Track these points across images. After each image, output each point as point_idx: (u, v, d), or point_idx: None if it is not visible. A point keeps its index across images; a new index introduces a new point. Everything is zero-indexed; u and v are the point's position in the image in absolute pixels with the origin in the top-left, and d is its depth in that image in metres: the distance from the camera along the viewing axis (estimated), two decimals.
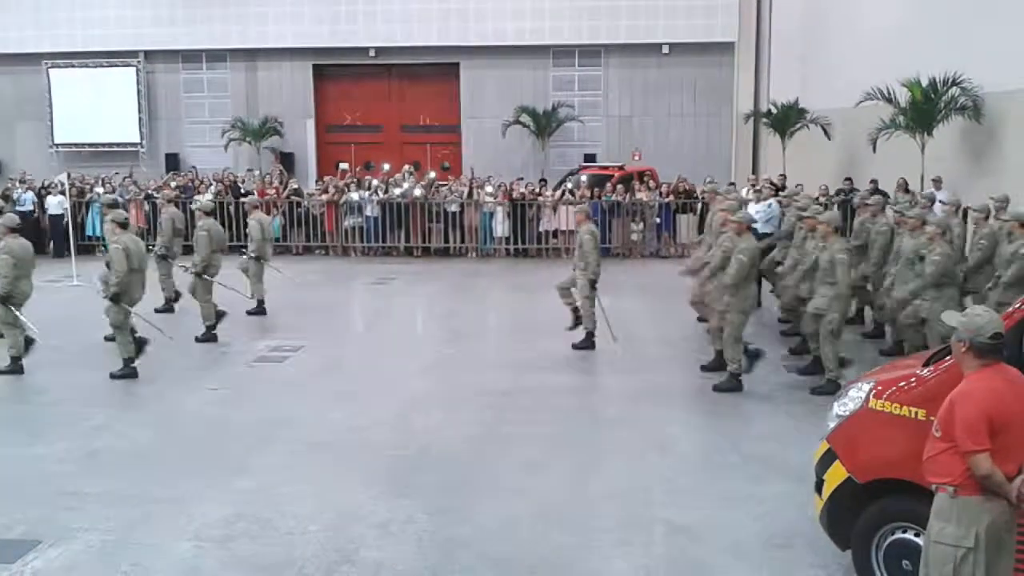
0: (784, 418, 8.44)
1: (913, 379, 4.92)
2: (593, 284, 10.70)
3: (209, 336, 11.39)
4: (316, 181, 22.96)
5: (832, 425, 5.27)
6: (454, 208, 18.84)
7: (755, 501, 6.45)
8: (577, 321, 10.85)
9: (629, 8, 23.79)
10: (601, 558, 5.68)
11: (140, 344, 10.00)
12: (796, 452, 7.08)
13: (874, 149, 16.50)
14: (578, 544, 5.85)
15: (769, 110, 22.12)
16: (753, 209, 13.19)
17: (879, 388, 5.03)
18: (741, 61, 23.98)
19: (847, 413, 5.17)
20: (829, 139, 20.15)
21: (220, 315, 11.63)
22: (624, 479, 6.93)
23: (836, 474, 5.09)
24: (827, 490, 5.16)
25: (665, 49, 24.01)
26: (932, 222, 9.68)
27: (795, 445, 7.34)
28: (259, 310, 12.98)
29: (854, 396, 5.20)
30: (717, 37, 23.68)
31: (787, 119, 21.10)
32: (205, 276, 11.59)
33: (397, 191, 19.29)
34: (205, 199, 14.46)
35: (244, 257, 13.15)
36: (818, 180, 17.78)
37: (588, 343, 10.81)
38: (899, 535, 4.83)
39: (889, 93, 16.06)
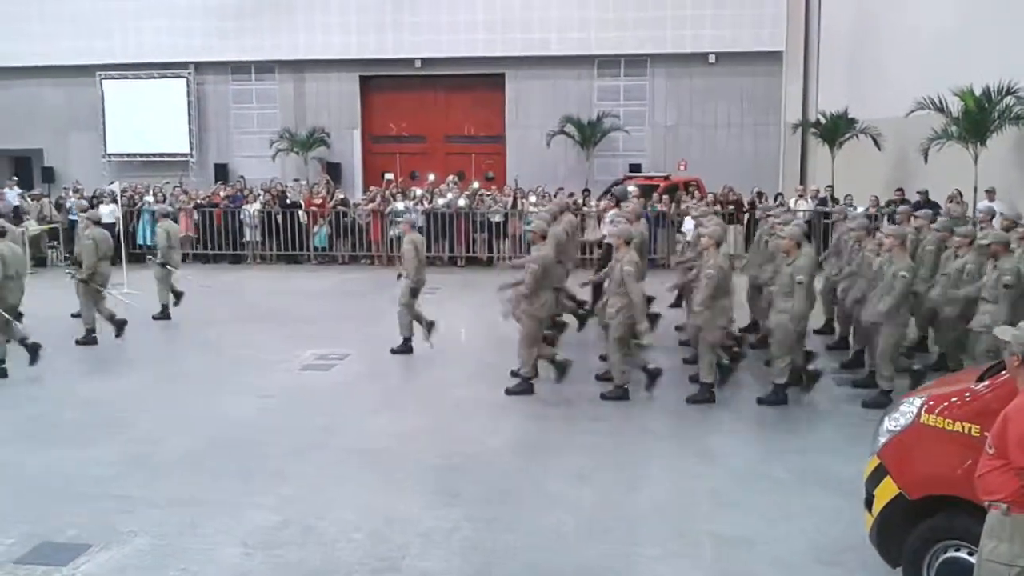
0: (832, 432, 8.33)
1: (967, 394, 4.83)
2: (415, 292, 11.11)
3: (89, 339, 11.73)
4: (362, 191, 23.16)
5: (882, 440, 5.18)
6: (498, 218, 18.88)
7: (803, 516, 6.36)
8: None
9: (675, 18, 23.70)
10: (646, 570, 5.63)
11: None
12: (844, 466, 6.98)
13: (925, 160, 16.23)
14: (623, 555, 5.81)
15: (818, 120, 21.87)
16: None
17: (931, 403, 4.94)
18: (789, 70, 23.76)
19: (898, 428, 5.08)
20: (879, 149, 19.86)
21: (121, 324, 11.88)
22: (670, 490, 6.88)
23: (887, 490, 5.01)
24: (877, 506, 5.08)
25: (712, 58, 23.87)
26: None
27: (843, 459, 7.24)
28: (163, 315, 13.38)
29: (905, 411, 5.11)
30: (765, 46, 23.47)
31: (836, 129, 20.84)
32: (91, 283, 11.77)
33: (441, 201, 19.38)
34: (97, 209, 14.64)
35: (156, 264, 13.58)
36: (868, 191, 17.54)
37: (406, 347, 11.19)
38: (951, 553, 4.73)
39: (941, 102, 15.80)
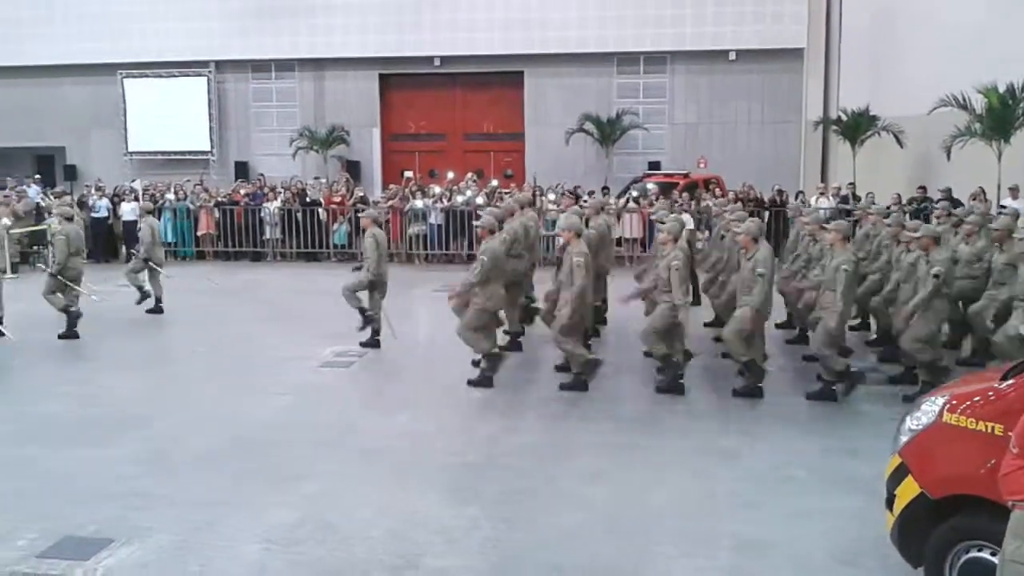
0: (852, 431, 8.26)
1: (991, 393, 4.78)
2: (373, 285, 11.26)
3: (71, 328, 11.91)
4: (381, 189, 23.23)
5: (904, 439, 5.13)
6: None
7: (822, 515, 6.32)
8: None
9: (695, 15, 23.63)
10: (663, 569, 5.62)
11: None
12: (864, 465, 6.93)
13: (948, 157, 16.11)
14: (640, 554, 5.79)
15: (839, 117, 21.76)
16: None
17: (954, 402, 4.89)
18: (810, 67, 23.64)
19: (920, 427, 5.03)
20: (901, 147, 19.73)
21: (74, 317, 11.97)
22: (687, 490, 6.86)
23: (908, 489, 4.96)
24: (899, 506, 5.03)
25: (732, 56, 23.78)
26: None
27: (863, 458, 7.20)
28: (156, 309, 13.59)
29: (927, 410, 5.06)
30: (785, 43, 23.37)
31: (858, 126, 20.72)
32: (60, 278, 11.94)
33: (460, 199, 19.40)
34: (64, 206, 14.71)
35: (136, 259, 13.75)
36: (890, 189, 17.42)
37: (374, 342, 11.33)
38: (974, 554, 4.68)
39: (964, 99, 15.68)
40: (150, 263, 13.52)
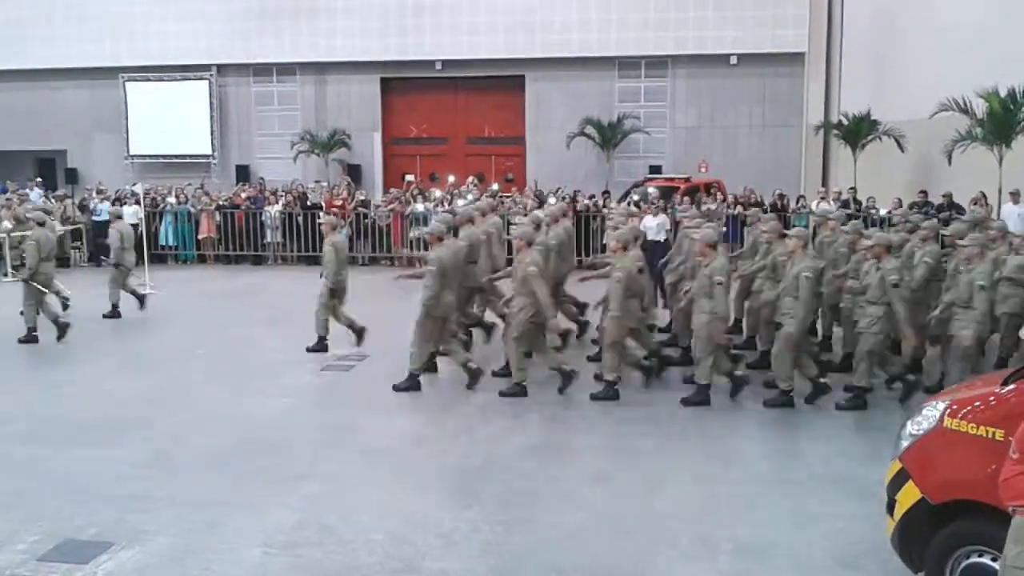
0: (852, 435, 8.28)
1: (991, 398, 4.78)
2: (332, 292, 11.25)
3: (30, 339, 11.83)
4: (382, 193, 23.25)
5: (905, 444, 5.13)
6: (518, 219, 18.82)
7: (824, 520, 6.32)
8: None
9: (697, 19, 23.66)
10: (664, 572, 5.62)
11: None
12: (865, 470, 6.94)
13: (949, 162, 16.10)
14: (641, 556, 5.79)
15: (840, 121, 21.75)
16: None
17: (954, 407, 4.89)
18: (811, 71, 23.66)
19: (920, 432, 5.03)
20: (903, 151, 19.72)
21: (64, 327, 11.97)
22: (689, 493, 6.86)
23: (909, 495, 4.95)
24: (899, 511, 5.02)
25: (733, 60, 23.82)
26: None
27: (864, 463, 7.20)
28: (113, 313, 13.50)
29: (928, 415, 5.06)
30: (786, 47, 23.41)
31: (859, 131, 20.70)
32: (32, 283, 11.92)
33: (461, 203, 19.38)
34: (37, 211, 14.76)
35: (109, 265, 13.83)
36: (891, 193, 17.43)
37: (321, 346, 11.29)
38: (975, 559, 4.68)
39: (965, 104, 15.67)
40: (121, 267, 13.55)
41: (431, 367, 10.00)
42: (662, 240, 15.84)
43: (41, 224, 12.52)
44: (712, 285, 8.88)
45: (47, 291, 12.17)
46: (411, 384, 9.56)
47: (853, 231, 10.34)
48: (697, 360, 9.23)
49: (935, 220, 11.31)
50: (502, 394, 9.36)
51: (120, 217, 14.76)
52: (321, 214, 19.54)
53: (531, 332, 9.44)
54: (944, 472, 4.83)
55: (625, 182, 22.68)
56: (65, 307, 13.13)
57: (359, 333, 11.37)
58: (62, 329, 11.89)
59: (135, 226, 18.80)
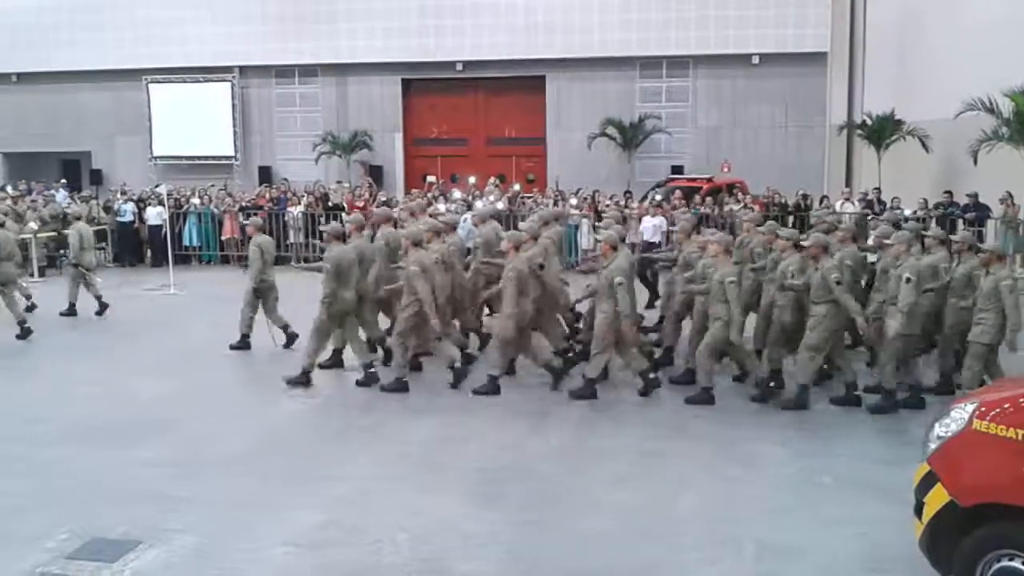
0: (875, 437, 8.21)
1: (1021, 399, 4.74)
2: (256, 292, 11.47)
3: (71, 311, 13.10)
4: (403, 194, 23.28)
5: (933, 446, 5.09)
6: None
7: (849, 523, 6.27)
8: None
9: (718, 18, 23.55)
10: (687, 574, 5.59)
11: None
12: (889, 472, 6.90)
13: (975, 162, 15.96)
14: (665, 560, 5.78)
15: (863, 121, 21.60)
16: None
17: (983, 408, 4.85)
18: (834, 71, 23.49)
19: (949, 434, 4.99)
20: (927, 151, 19.57)
21: (27, 331, 12.26)
22: (712, 496, 6.83)
23: (937, 497, 4.91)
24: (928, 514, 4.98)
25: (755, 59, 23.67)
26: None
27: (888, 465, 7.15)
28: (70, 311, 13.74)
29: (956, 417, 5.02)
30: (809, 47, 23.24)
31: (882, 131, 20.56)
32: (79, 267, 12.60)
33: (480, 204, 19.38)
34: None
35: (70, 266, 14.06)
36: (916, 194, 17.30)
37: (244, 344, 11.54)
38: (1005, 563, 4.64)
39: (991, 103, 15.53)
40: (79, 267, 13.68)
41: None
42: (657, 241, 16.13)
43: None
44: (613, 286, 8.97)
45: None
46: (303, 380, 9.77)
47: (769, 231, 10.37)
48: (592, 355, 9.41)
49: (852, 223, 11.48)
50: (383, 389, 9.63)
51: (79, 218, 14.99)
52: (343, 215, 19.64)
53: (412, 328, 9.73)
54: (973, 475, 4.79)
55: (647, 182, 22.61)
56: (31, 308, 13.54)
57: (290, 337, 11.48)
58: (24, 331, 12.26)
59: (159, 227, 19.00)
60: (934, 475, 4.98)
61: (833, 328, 8.99)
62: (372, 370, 9.90)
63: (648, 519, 6.41)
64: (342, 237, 10.01)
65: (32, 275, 17.71)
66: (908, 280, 8.63)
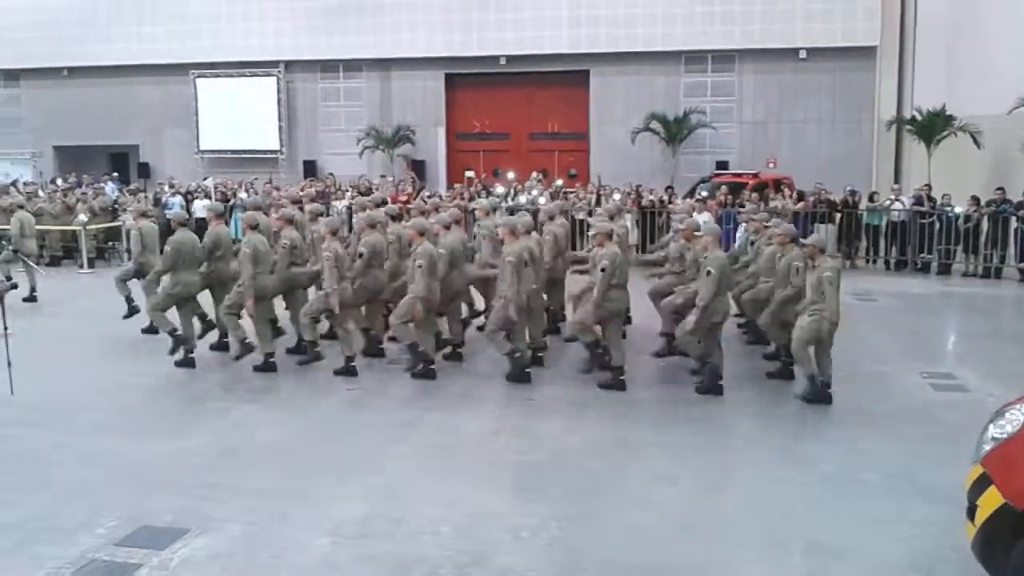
0: (924, 436, 8.04)
1: None
2: (139, 273, 11.87)
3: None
4: (446, 188, 23.34)
5: (987, 448, 4.98)
6: (581, 215, 18.79)
7: (899, 524, 6.17)
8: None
9: (764, 12, 23.29)
10: (737, 573, 5.54)
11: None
12: (938, 472, 6.79)
13: None
14: (711, 556, 5.72)
15: (913, 116, 21.24)
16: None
17: None
18: (883, 66, 23.12)
19: (1004, 436, 4.88)
20: (979, 147, 19.18)
21: None
22: (758, 493, 6.75)
23: (991, 500, 4.81)
24: (980, 517, 4.88)
25: (803, 54, 23.38)
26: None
27: (937, 465, 7.03)
28: (31, 298, 14.37)
29: (1012, 418, 4.92)
30: (858, 41, 22.91)
31: (933, 126, 20.21)
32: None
33: (523, 198, 19.38)
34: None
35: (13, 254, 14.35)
36: (967, 190, 16.97)
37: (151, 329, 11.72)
38: None
39: None
40: (19, 254, 13.88)
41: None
42: None
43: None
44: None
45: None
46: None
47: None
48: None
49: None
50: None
51: (22, 207, 15.63)
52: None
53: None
54: None
55: (691, 178, 22.45)
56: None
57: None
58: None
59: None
60: (987, 477, 4.87)
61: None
62: (250, 353, 10.33)
63: (694, 515, 6.36)
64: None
65: (81, 266, 18.04)
66: (709, 273, 9.00)
